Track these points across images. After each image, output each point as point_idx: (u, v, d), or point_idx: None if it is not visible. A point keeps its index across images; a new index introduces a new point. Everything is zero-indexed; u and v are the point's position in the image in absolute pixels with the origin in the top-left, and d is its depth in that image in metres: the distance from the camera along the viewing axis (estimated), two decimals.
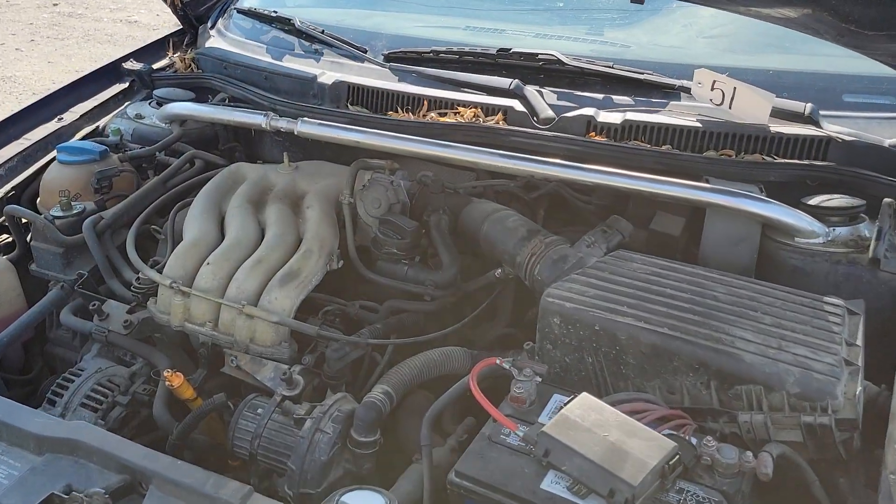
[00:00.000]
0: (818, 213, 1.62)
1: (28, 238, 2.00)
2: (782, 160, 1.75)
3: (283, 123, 2.04)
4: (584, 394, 1.27)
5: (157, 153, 2.20)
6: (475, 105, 1.99)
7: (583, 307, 1.42)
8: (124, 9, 9.84)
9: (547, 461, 1.19)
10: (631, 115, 1.87)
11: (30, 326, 1.86)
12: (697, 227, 1.74)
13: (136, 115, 2.38)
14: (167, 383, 1.54)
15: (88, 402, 1.67)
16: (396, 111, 2.09)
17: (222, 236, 1.81)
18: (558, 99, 2.03)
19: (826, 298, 1.43)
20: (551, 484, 1.19)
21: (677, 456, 1.16)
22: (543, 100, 2.00)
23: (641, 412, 1.28)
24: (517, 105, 1.96)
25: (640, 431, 1.19)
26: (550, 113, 1.94)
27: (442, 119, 2.00)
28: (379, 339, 1.62)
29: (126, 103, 2.49)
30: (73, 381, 1.72)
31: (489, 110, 1.99)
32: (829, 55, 2.01)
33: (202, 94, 2.46)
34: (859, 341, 1.36)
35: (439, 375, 1.60)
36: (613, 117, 1.88)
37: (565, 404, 1.26)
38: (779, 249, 1.62)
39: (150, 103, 2.44)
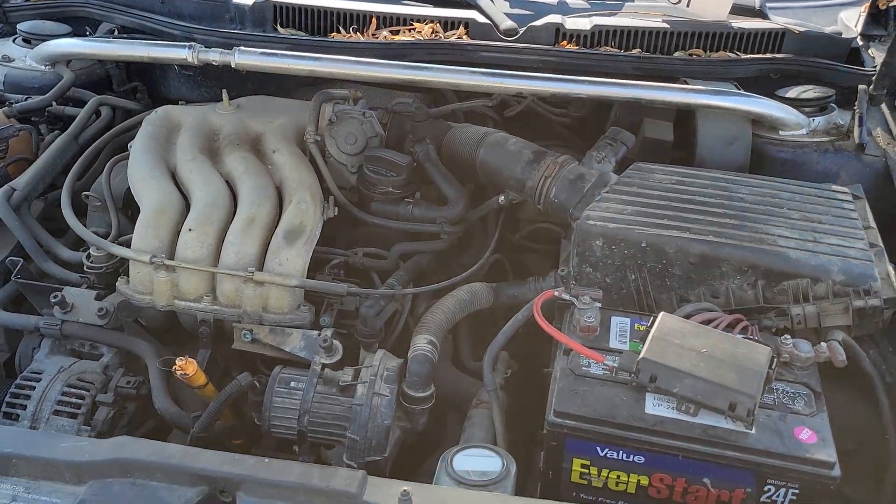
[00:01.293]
0: (796, 104, 1.69)
1: None
2: (750, 56, 1.80)
3: (214, 56, 1.76)
4: (664, 314, 1.26)
5: (53, 105, 1.83)
6: (432, 19, 1.84)
7: (626, 226, 1.40)
8: None
9: (654, 386, 1.18)
10: (599, 20, 1.82)
11: None
12: (679, 130, 1.76)
13: (1, 57, 1.95)
14: (180, 372, 1.33)
15: (63, 409, 1.42)
16: (339, 32, 1.88)
17: (184, 197, 1.56)
18: (512, 7, 1.93)
19: (833, 187, 1.52)
20: (655, 407, 1.19)
21: (774, 359, 1.20)
22: (498, 9, 1.89)
23: (713, 321, 1.30)
24: (478, 17, 1.83)
25: (733, 341, 1.21)
26: (510, 23, 1.84)
27: (397, 38, 1.83)
28: (406, 287, 1.50)
29: None
30: (33, 388, 1.45)
31: (448, 24, 1.84)
32: None
33: (75, 25, 2.07)
34: (872, 223, 1.46)
35: (468, 314, 1.54)
36: (582, 23, 1.82)
37: (649, 327, 1.25)
38: (766, 145, 1.68)
39: (13, 40, 2.01)
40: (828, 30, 1.88)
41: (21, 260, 1.52)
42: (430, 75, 1.67)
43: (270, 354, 1.44)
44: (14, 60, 1.95)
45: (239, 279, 1.41)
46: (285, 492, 1.05)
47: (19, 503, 1.06)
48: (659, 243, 1.38)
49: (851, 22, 1.93)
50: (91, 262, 1.51)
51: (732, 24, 1.83)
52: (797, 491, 1.14)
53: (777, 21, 1.87)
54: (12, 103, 1.81)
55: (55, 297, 1.42)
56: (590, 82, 1.65)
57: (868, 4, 1.88)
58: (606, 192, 1.48)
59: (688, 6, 1.85)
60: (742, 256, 1.36)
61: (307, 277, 1.46)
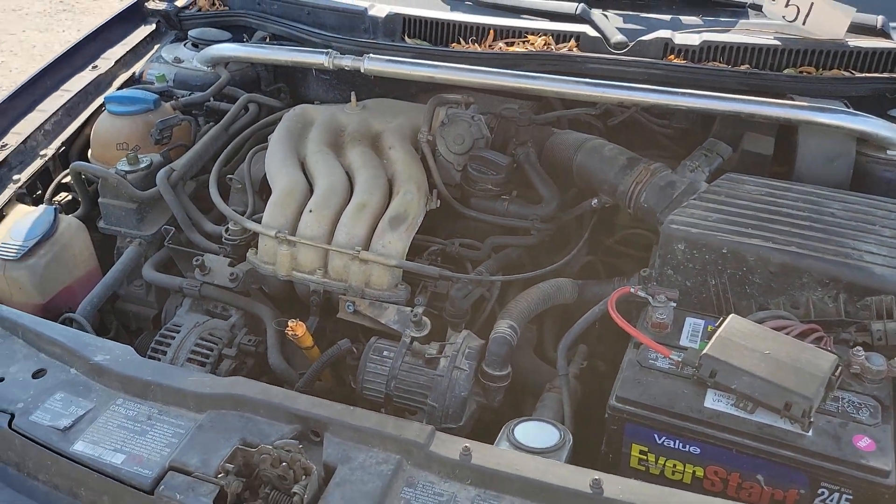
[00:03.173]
0: None
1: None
2: (864, 74, 1.78)
3: (347, 61, 1.98)
4: (734, 315, 1.31)
5: (210, 100, 2.12)
6: (545, 32, 1.96)
7: (709, 231, 1.45)
8: None
9: (714, 381, 1.23)
10: (708, 36, 1.87)
11: (115, 286, 1.82)
12: (781, 145, 1.77)
13: (174, 58, 2.28)
14: (290, 333, 1.53)
15: (195, 357, 1.66)
16: (459, 43, 2.04)
17: (309, 183, 1.77)
18: (625, 22, 2.01)
19: None
20: (714, 402, 1.25)
21: (839, 367, 1.22)
22: (610, 24, 1.98)
23: (785, 329, 1.33)
24: (590, 31, 1.93)
25: (798, 346, 1.25)
26: (621, 37, 1.92)
27: (511, 49, 1.96)
28: (494, 276, 1.63)
29: (156, 46, 2.38)
30: (173, 338, 1.70)
31: (560, 37, 1.95)
32: None
33: (235, 32, 2.37)
34: None
35: (551, 306, 1.64)
36: (691, 39, 1.87)
37: (717, 327, 1.30)
38: (871, 164, 1.67)
39: (185, 45, 2.33)
40: None
41: (173, 228, 1.79)
42: (534, 83, 1.79)
43: (368, 325, 1.61)
44: (183, 62, 2.27)
45: (347, 256, 1.60)
46: (364, 436, 1.21)
47: (153, 421, 1.28)
48: (740, 250, 1.43)
49: None
50: (228, 235, 1.75)
51: (849, 43, 1.81)
52: (851, 497, 1.16)
53: None
54: (178, 97, 2.11)
55: (197, 260, 1.67)
56: (688, 94, 1.70)
57: None
58: (694, 199, 1.54)
59: (804, 24, 1.85)
60: (824, 268, 1.38)
61: (406, 260, 1.62)
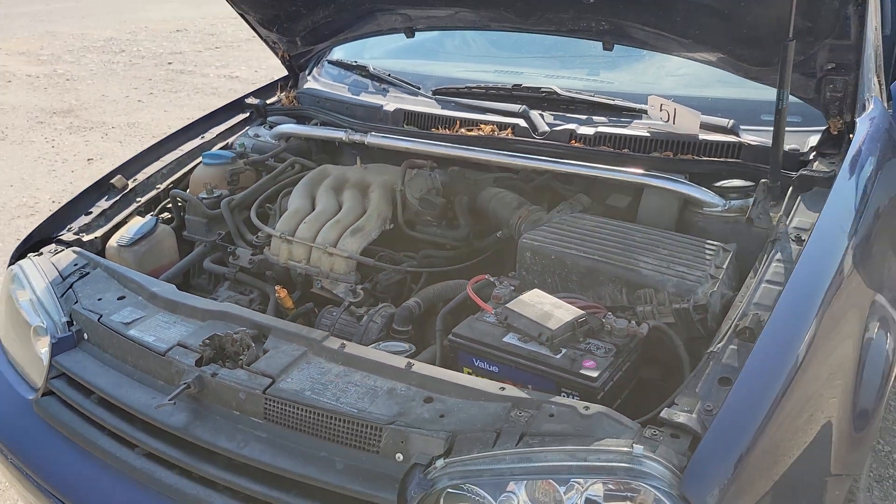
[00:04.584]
0: (722, 191, 2.32)
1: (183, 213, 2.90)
2: (704, 158, 2.46)
3: (357, 136, 2.89)
4: (537, 290, 2.01)
5: (269, 160, 3.09)
6: (492, 123, 2.79)
7: (544, 244, 2.17)
8: (227, 66, 11.30)
9: (506, 322, 1.93)
10: (602, 129, 2.62)
11: (183, 271, 2.74)
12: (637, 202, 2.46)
13: (254, 134, 3.29)
14: (277, 296, 2.36)
15: None
16: (438, 128, 2.90)
17: (313, 209, 2.64)
18: (554, 119, 2.80)
19: (709, 242, 2.13)
20: (509, 338, 1.93)
21: (584, 318, 1.88)
22: (543, 120, 2.78)
23: (572, 302, 2.00)
24: (522, 122, 2.74)
25: (565, 306, 1.93)
26: (546, 128, 2.72)
27: (468, 133, 2.80)
28: (409, 268, 2.41)
29: (246, 127, 3.41)
30: None
31: (502, 126, 2.77)
32: (757, 87, 2.72)
33: (301, 120, 3.36)
34: (725, 265, 2.05)
35: (452, 297, 2.37)
36: (589, 130, 2.63)
37: (521, 293, 2.00)
38: (692, 215, 2.33)
39: (264, 126, 3.35)
40: (786, 147, 2.46)
41: (223, 233, 2.70)
42: (474, 154, 2.63)
43: (328, 297, 2.41)
44: (260, 137, 3.28)
45: (321, 251, 2.43)
46: (288, 335, 1.98)
47: (177, 324, 2.12)
48: (561, 257, 2.13)
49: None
50: (256, 239, 2.63)
51: (699, 136, 2.50)
52: (578, 398, 1.79)
53: (744, 137, 2.50)
54: (249, 157, 3.09)
55: (230, 249, 2.56)
56: (567, 163, 2.46)
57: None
58: (545, 225, 2.26)
59: (673, 123, 2.56)
60: (611, 271, 2.06)
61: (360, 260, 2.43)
